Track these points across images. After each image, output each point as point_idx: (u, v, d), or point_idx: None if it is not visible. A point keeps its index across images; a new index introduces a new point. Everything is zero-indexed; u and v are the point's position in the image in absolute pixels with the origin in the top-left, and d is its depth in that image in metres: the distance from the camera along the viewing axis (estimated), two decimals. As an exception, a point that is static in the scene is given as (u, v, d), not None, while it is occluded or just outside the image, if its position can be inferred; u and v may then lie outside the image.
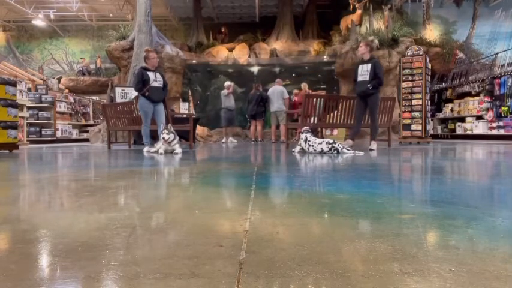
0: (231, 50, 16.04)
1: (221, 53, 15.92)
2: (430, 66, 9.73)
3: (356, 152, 5.22)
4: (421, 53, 9.42)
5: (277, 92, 10.82)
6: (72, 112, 14.07)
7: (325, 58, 14.70)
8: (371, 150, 5.96)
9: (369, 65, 6.02)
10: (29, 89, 12.32)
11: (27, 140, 10.13)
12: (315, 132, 5.74)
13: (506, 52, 12.26)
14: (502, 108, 10.30)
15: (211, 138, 12.96)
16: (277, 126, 11.19)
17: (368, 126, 7.47)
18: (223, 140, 11.69)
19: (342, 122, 6.95)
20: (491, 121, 10.68)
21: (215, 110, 15.06)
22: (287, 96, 10.82)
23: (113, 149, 7.80)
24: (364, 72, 6.10)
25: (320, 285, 0.76)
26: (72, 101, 14.15)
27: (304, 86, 11.34)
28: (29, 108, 10.83)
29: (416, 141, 9.34)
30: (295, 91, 11.75)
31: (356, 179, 2.51)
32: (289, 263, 0.88)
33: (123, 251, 0.98)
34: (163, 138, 5.44)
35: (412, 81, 9.25)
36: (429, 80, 9.58)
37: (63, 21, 20.53)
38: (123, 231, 1.18)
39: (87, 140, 12.71)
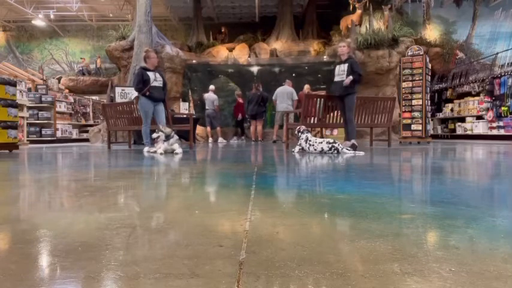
0: (231, 50, 16.03)
1: (221, 53, 15.91)
2: (430, 66, 9.72)
3: (356, 152, 5.22)
4: (421, 53, 9.42)
5: (287, 92, 10.85)
6: (72, 112, 14.07)
7: (325, 58, 14.69)
8: (348, 150, 5.27)
9: (346, 65, 5.99)
10: (29, 89, 12.32)
11: (27, 140, 10.13)
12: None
13: (506, 52, 12.26)
14: (502, 108, 10.30)
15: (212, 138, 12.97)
16: (281, 126, 11.16)
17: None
18: (220, 141, 11.84)
19: (342, 122, 6.94)
20: (491, 121, 10.68)
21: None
22: (296, 98, 10.86)
23: (112, 149, 7.80)
24: (340, 72, 6.07)
25: (320, 285, 0.76)
26: (72, 101, 14.15)
27: (306, 87, 11.34)
28: (29, 108, 10.83)
29: (416, 141, 9.34)
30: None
31: (356, 179, 2.51)
32: (289, 263, 0.88)
33: (123, 251, 0.98)
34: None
35: (412, 81, 9.25)
36: (429, 80, 9.58)
37: (63, 21, 20.53)
38: (123, 231, 1.18)
39: (87, 140, 12.71)
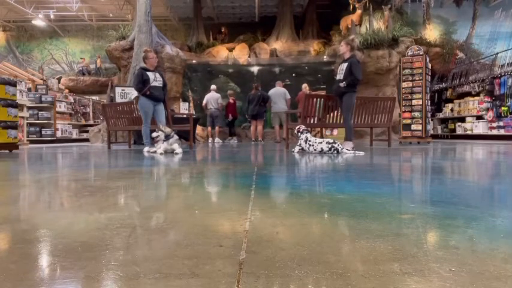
0: (231, 50, 16.04)
1: (221, 53, 15.91)
2: (430, 66, 9.72)
3: (356, 152, 5.22)
4: (421, 53, 9.41)
5: (279, 93, 11.08)
6: (72, 112, 14.07)
7: (325, 58, 14.70)
8: (347, 150, 5.30)
9: (345, 64, 5.98)
10: (29, 89, 12.32)
11: (27, 140, 10.13)
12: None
13: (506, 52, 12.26)
14: (502, 108, 10.30)
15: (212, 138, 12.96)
16: (281, 126, 11.24)
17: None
18: (217, 141, 11.86)
19: (342, 122, 6.94)
20: (491, 121, 10.68)
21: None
22: (289, 97, 11.09)
23: (112, 149, 7.79)
24: (340, 71, 6.07)
25: (320, 285, 0.76)
26: (72, 101, 14.15)
27: (305, 86, 11.38)
28: (29, 108, 10.83)
29: (416, 141, 9.34)
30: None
31: (356, 179, 2.51)
32: (289, 263, 0.88)
33: (123, 251, 0.98)
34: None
35: (412, 81, 9.25)
36: (429, 80, 9.57)
37: (63, 21, 20.53)
38: (123, 231, 1.18)
39: (87, 140, 12.71)
